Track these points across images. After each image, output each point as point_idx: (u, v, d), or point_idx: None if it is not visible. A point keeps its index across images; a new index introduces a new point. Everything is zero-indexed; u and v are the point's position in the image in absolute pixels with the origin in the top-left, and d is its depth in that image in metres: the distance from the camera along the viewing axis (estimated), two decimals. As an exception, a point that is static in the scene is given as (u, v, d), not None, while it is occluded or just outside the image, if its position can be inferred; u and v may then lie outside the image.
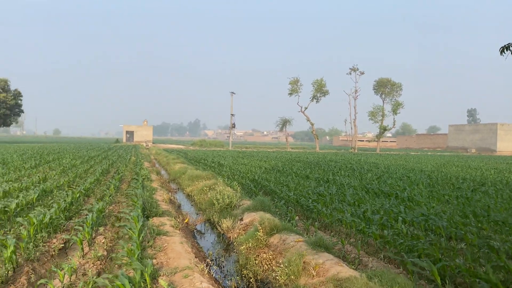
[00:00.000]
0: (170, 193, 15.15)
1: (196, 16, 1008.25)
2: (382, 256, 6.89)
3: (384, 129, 77.50)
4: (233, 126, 74.27)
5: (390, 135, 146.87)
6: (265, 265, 7.07)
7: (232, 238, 9.29)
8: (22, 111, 73.21)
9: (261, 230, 7.93)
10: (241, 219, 9.94)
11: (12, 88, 70.01)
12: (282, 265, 6.37)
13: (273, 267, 6.78)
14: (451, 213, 9.31)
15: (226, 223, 9.92)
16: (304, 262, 6.19)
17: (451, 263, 5.70)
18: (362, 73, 74.84)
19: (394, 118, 76.14)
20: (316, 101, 74.16)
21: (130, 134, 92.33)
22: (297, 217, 10.03)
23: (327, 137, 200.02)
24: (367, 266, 6.44)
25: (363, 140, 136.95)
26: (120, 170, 19.04)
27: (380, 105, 77.23)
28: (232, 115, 72.73)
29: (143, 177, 16.37)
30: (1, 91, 67.36)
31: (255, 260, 7.35)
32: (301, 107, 74.05)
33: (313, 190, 12.90)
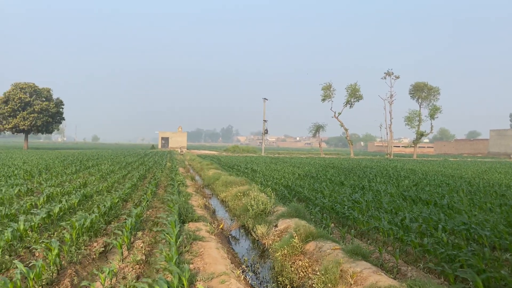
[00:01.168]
0: (204, 199, 15.34)
1: (228, 24, 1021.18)
2: (421, 265, 6.70)
3: (421, 135, 75.49)
4: (266, 132, 74.28)
5: (427, 140, 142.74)
6: (301, 273, 7.02)
7: (267, 245, 9.29)
8: (63, 119, 76.20)
9: (296, 237, 7.88)
10: (276, 226, 9.92)
11: (54, 97, 73.19)
12: (318, 273, 6.30)
13: (309, 275, 6.73)
14: (494, 222, 8.92)
15: (260, 229, 9.93)
16: (341, 270, 6.10)
17: (496, 274, 5.47)
18: (398, 78, 73.08)
19: (431, 123, 74.12)
20: (350, 106, 73.02)
21: (165, 140, 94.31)
22: (332, 225, 9.91)
23: (362, 142, 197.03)
24: (406, 275, 6.28)
25: (399, 146, 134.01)
26: (156, 176, 19.44)
27: (416, 110, 75.34)
28: (265, 121, 72.83)
29: (179, 182, 16.66)
30: (44, 99, 70.52)
31: (291, 267, 7.31)
32: (335, 113, 73.20)
33: (349, 197, 12.70)
